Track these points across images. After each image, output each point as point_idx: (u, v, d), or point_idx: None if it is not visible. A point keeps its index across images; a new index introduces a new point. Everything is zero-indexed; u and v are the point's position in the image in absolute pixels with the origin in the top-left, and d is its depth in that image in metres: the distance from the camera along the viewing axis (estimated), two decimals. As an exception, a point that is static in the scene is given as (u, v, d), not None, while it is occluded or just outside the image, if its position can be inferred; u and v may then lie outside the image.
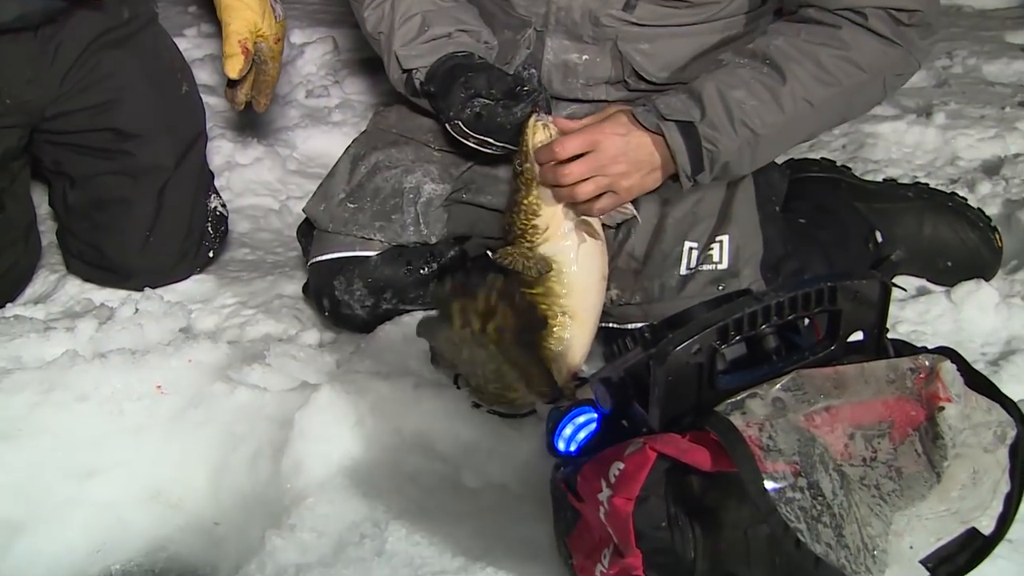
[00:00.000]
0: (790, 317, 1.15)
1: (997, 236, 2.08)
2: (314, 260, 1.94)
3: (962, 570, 1.11)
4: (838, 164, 2.26)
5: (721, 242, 1.75)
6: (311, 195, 2.00)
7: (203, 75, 2.93)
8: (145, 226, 2.08)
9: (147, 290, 2.06)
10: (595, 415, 1.29)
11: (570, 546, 1.28)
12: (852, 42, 1.62)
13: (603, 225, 1.66)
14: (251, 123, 2.77)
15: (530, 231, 1.60)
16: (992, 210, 2.24)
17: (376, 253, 1.88)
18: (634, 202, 1.69)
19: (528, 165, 1.59)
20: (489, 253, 1.64)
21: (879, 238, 2.06)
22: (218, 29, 2.03)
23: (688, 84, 1.65)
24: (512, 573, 1.35)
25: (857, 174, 2.28)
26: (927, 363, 1.15)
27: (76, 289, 2.12)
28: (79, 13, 2.01)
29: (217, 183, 2.32)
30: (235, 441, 1.67)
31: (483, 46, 1.83)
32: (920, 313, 1.96)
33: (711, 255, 1.74)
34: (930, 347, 1.20)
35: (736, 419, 1.06)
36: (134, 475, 1.67)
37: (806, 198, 2.09)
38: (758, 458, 1.03)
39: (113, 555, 1.61)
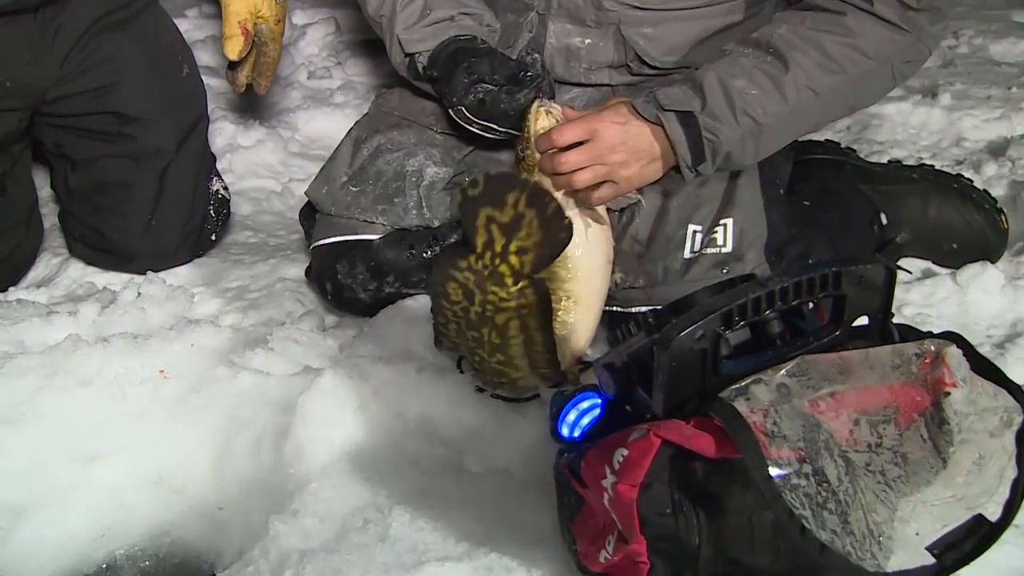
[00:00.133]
0: (794, 302, 1.15)
1: (1003, 218, 2.07)
2: (316, 244, 1.93)
3: (968, 556, 1.10)
4: (843, 146, 2.25)
5: (725, 225, 1.74)
6: (313, 178, 2.00)
7: (204, 56, 2.92)
8: (147, 209, 2.08)
9: (149, 274, 2.06)
10: (599, 401, 1.29)
11: (574, 532, 1.27)
12: (857, 29, 1.59)
13: (607, 209, 1.65)
14: (253, 105, 2.76)
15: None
16: (998, 191, 2.23)
17: (379, 237, 1.88)
18: (638, 186, 1.68)
19: (531, 151, 1.58)
20: None
21: (884, 220, 2.05)
22: (219, 10, 2.01)
23: (690, 73, 1.63)
24: (516, 559, 1.34)
25: (862, 156, 2.27)
26: (932, 348, 1.14)
27: (78, 272, 2.12)
28: (78, -6, 2.00)
29: (219, 165, 2.32)
30: (238, 426, 1.67)
31: (486, 29, 1.82)
32: (925, 295, 1.96)
33: (715, 238, 1.73)
34: (935, 331, 1.19)
35: (740, 405, 1.06)
36: (137, 460, 1.67)
37: (810, 180, 2.09)
38: (763, 444, 1.03)
39: (116, 540, 1.62)
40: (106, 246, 2.09)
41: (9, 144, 2.04)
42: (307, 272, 2.02)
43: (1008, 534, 1.12)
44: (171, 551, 1.63)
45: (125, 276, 2.08)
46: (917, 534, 1.08)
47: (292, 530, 1.43)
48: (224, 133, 2.60)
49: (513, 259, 1.30)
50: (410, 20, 1.81)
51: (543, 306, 1.34)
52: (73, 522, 1.61)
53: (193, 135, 2.15)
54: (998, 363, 1.33)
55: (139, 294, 1.97)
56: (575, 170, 1.53)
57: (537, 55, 1.79)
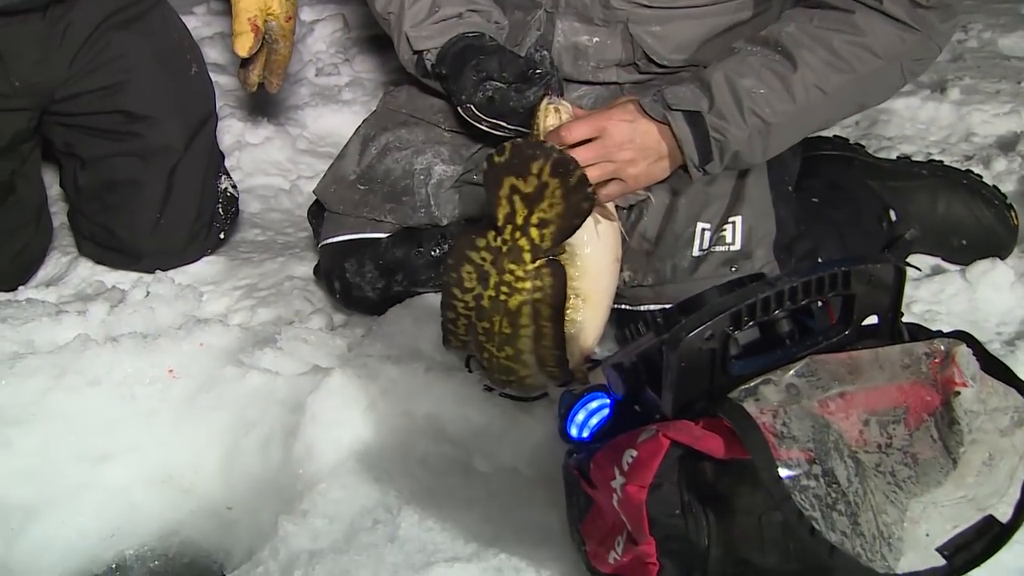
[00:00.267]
0: (804, 302, 1.14)
1: (1013, 214, 2.06)
2: (325, 242, 1.93)
3: (979, 558, 1.10)
4: (851, 142, 2.24)
5: (734, 223, 1.73)
6: (321, 176, 2.00)
7: (213, 53, 2.92)
8: (156, 208, 2.08)
9: (158, 272, 2.06)
10: (607, 401, 1.29)
11: (583, 532, 1.27)
12: (866, 27, 1.59)
13: (616, 206, 1.65)
14: (261, 102, 2.76)
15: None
16: (1008, 187, 2.22)
17: (387, 235, 1.88)
18: (646, 183, 1.68)
19: None
20: None
21: (893, 216, 2.05)
22: (228, 7, 2.01)
23: (698, 72, 1.63)
24: (524, 559, 1.34)
25: (871, 151, 2.27)
26: (942, 347, 1.14)
27: (88, 271, 2.12)
28: (87, -7, 2.00)
29: (227, 163, 2.32)
30: (247, 425, 1.67)
31: (494, 26, 1.82)
32: (935, 292, 1.95)
33: (724, 236, 1.73)
34: (945, 328, 1.19)
35: (750, 406, 1.05)
36: (146, 459, 1.67)
37: (819, 176, 2.08)
38: (772, 445, 1.02)
39: (126, 540, 1.62)
40: (115, 244, 2.09)
41: (18, 143, 2.05)
42: (315, 270, 2.02)
43: (1020, 534, 1.12)
44: (180, 551, 1.63)
45: (134, 275, 2.09)
46: (927, 535, 1.08)
47: (301, 530, 1.43)
48: (232, 130, 2.60)
49: (533, 232, 1.31)
50: (418, 17, 1.81)
51: (557, 291, 1.34)
52: (83, 522, 1.62)
53: (201, 133, 2.15)
54: (1008, 360, 1.33)
55: (148, 293, 1.97)
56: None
57: (546, 52, 1.79)
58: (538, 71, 1.67)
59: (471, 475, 1.53)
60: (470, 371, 1.63)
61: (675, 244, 1.74)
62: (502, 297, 1.34)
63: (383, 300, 1.88)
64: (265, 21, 2.00)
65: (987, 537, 1.10)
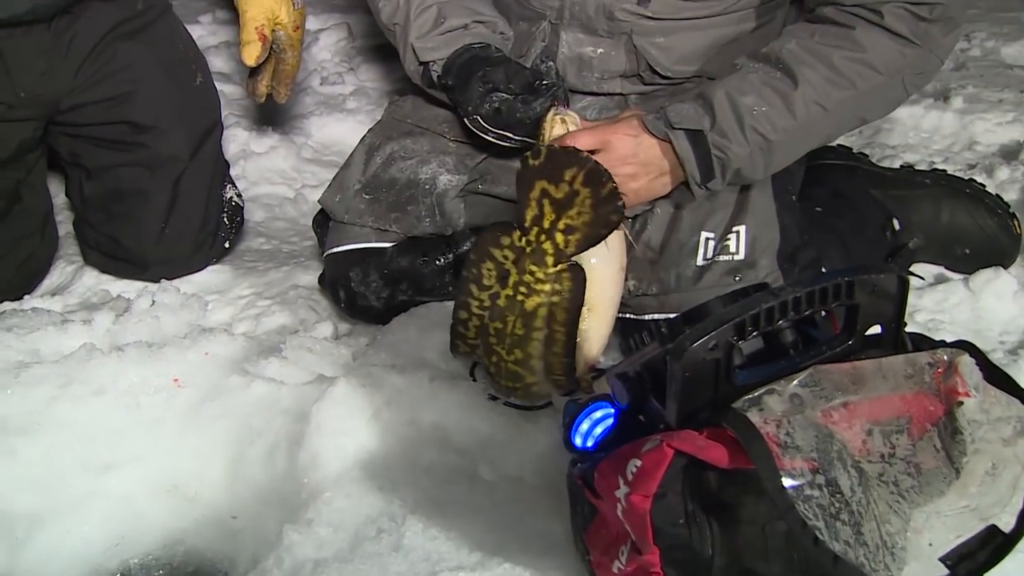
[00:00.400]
0: (807, 312, 1.15)
1: (1016, 223, 2.06)
2: (330, 251, 1.94)
3: (982, 567, 1.10)
4: (855, 151, 2.25)
5: (738, 232, 1.74)
6: (326, 185, 2.00)
7: (218, 63, 2.93)
8: (161, 217, 2.08)
9: (163, 282, 2.07)
10: (612, 410, 1.29)
11: (587, 542, 1.28)
12: (866, 43, 1.59)
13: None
14: (266, 111, 2.76)
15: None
16: (1011, 196, 2.22)
17: (392, 244, 1.88)
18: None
19: None
20: None
21: (896, 225, 2.05)
22: (233, 16, 2.02)
23: (701, 89, 1.64)
24: (529, 568, 1.35)
25: (874, 160, 2.27)
26: (945, 357, 1.14)
27: (93, 280, 2.13)
28: (92, 4, 2.01)
29: (232, 172, 2.33)
30: (252, 435, 1.67)
31: (499, 37, 1.83)
32: (938, 301, 1.95)
33: (728, 245, 1.73)
34: (948, 337, 1.20)
35: (753, 415, 1.06)
36: (151, 468, 1.68)
37: (823, 185, 2.08)
38: (776, 455, 1.03)
39: (131, 549, 1.63)
40: (121, 254, 2.10)
41: (24, 153, 2.05)
42: (320, 279, 2.02)
43: (1023, 544, 1.12)
44: (185, 560, 1.63)
45: (139, 284, 2.09)
46: (930, 545, 1.08)
47: (306, 539, 1.43)
48: (237, 140, 2.61)
49: (559, 237, 1.32)
50: (424, 28, 1.82)
51: (576, 296, 1.34)
52: (88, 531, 1.62)
53: (207, 143, 2.16)
54: (1011, 369, 1.34)
55: (153, 302, 1.97)
56: None
57: (552, 63, 1.80)
58: (544, 82, 1.68)
59: (476, 484, 1.53)
60: (474, 380, 1.63)
61: (679, 253, 1.74)
62: (519, 297, 1.34)
63: (388, 309, 1.88)
64: (273, 31, 2.00)
65: (990, 547, 1.10)
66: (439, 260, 1.87)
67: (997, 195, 2.10)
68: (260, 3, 1.98)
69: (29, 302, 2.01)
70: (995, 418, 1.12)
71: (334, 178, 1.99)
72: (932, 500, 1.09)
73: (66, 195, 2.26)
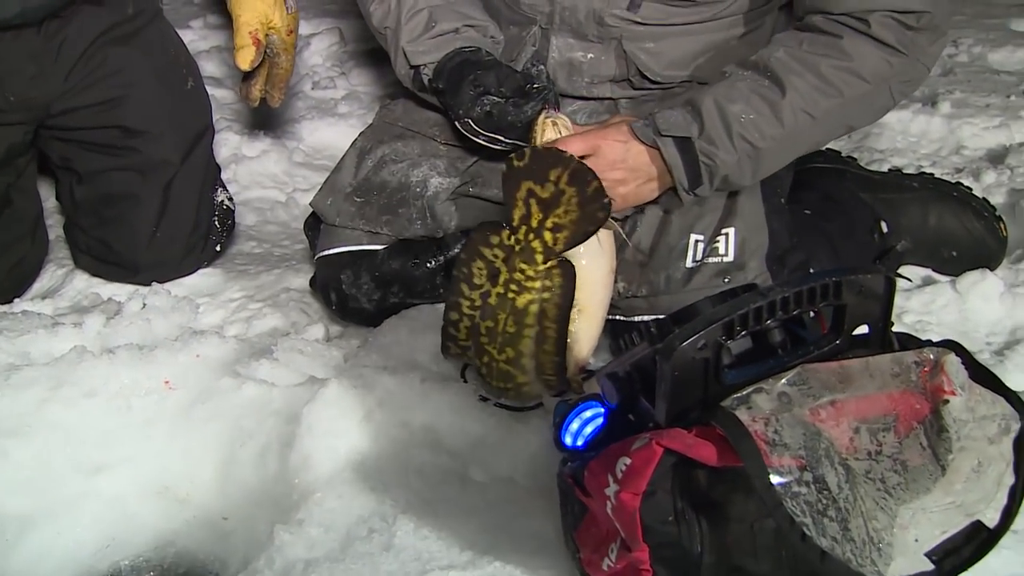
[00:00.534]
0: (795, 311, 1.16)
1: (1002, 226, 2.08)
2: (321, 254, 1.94)
3: (967, 562, 1.11)
4: (843, 155, 2.27)
5: (727, 235, 1.74)
6: (318, 189, 2.00)
7: (209, 67, 2.93)
8: (152, 221, 2.08)
9: (154, 285, 2.07)
10: (602, 410, 1.30)
11: (577, 540, 1.28)
12: (853, 52, 1.60)
13: (612, 217, 1.66)
14: (257, 116, 2.77)
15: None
16: (997, 199, 2.24)
17: (383, 247, 1.89)
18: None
19: None
20: None
21: (885, 228, 2.06)
22: (224, 20, 2.02)
23: (690, 96, 1.65)
24: (519, 567, 1.35)
25: (862, 164, 2.28)
26: (932, 356, 1.15)
27: (84, 284, 2.12)
28: (82, 9, 2.01)
29: (224, 176, 2.33)
30: (243, 436, 1.68)
31: (490, 41, 1.84)
32: (925, 303, 1.96)
33: (717, 248, 1.74)
34: (935, 338, 1.20)
35: (742, 414, 1.07)
36: (142, 470, 1.68)
37: (812, 189, 2.10)
38: (764, 453, 1.04)
39: (122, 550, 1.63)
40: (112, 258, 2.10)
41: (14, 156, 2.05)
42: (312, 282, 2.03)
43: (1006, 540, 1.13)
44: (176, 561, 1.64)
45: (130, 287, 2.09)
46: (916, 540, 1.09)
47: (297, 540, 1.43)
48: (229, 144, 2.61)
49: (547, 235, 1.32)
50: (415, 32, 1.83)
51: (566, 292, 1.35)
52: (79, 532, 1.63)
53: (198, 147, 2.16)
54: (997, 370, 1.35)
55: (144, 305, 1.97)
56: None
57: (542, 66, 1.80)
58: (535, 86, 1.69)
59: (467, 485, 1.54)
60: (465, 381, 1.64)
61: (669, 256, 1.75)
62: (510, 295, 1.35)
63: (379, 312, 1.89)
64: (267, 35, 2.00)
65: (975, 542, 1.12)
66: (430, 263, 1.87)
67: (984, 199, 2.12)
68: (253, 7, 1.98)
69: (19, 305, 2.01)
70: (980, 416, 1.13)
71: (325, 181, 1.99)
72: (918, 497, 1.10)
73: (57, 199, 2.25)
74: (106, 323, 1.89)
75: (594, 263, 1.58)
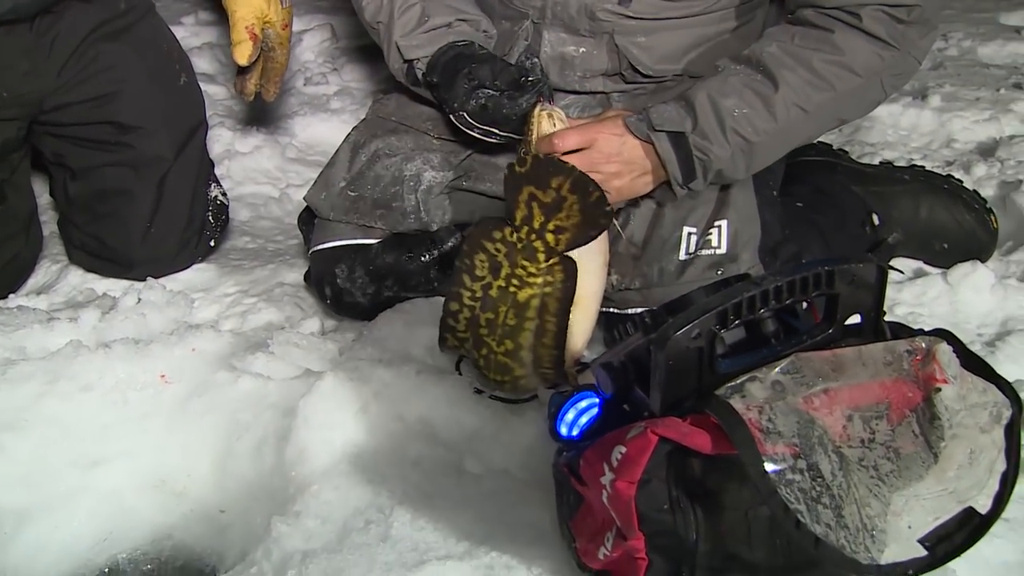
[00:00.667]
0: (788, 301, 1.16)
1: (993, 218, 2.09)
2: (315, 248, 1.95)
3: (960, 548, 1.12)
4: (835, 148, 2.27)
5: (719, 227, 1.75)
6: (311, 183, 2.01)
7: (202, 63, 2.93)
8: (146, 217, 2.09)
9: (149, 280, 2.07)
10: (597, 400, 1.30)
11: (573, 530, 1.29)
12: (845, 46, 1.61)
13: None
14: (251, 111, 2.77)
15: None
16: (988, 192, 2.25)
17: (377, 241, 1.89)
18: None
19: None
20: None
21: (876, 221, 2.07)
22: (216, 16, 2.03)
23: (683, 90, 1.66)
24: (516, 557, 1.36)
25: (854, 157, 2.29)
26: (924, 345, 1.16)
27: (78, 279, 2.13)
28: (74, 4, 2.02)
29: (217, 171, 2.33)
30: (239, 429, 1.68)
31: (483, 35, 1.84)
32: (917, 295, 1.97)
33: (710, 240, 1.75)
34: (927, 329, 1.21)
35: (736, 402, 1.07)
36: (139, 464, 1.69)
37: (804, 182, 2.10)
38: (758, 440, 1.04)
39: (119, 544, 1.64)
40: (106, 253, 2.10)
41: (8, 152, 2.05)
42: (306, 277, 2.03)
43: (998, 527, 1.14)
44: (173, 554, 1.65)
45: (125, 282, 2.09)
46: (909, 527, 1.10)
47: (294, 531, 1.44)
48: (222, 139, 2.62)
49: (549, 236, 1.33)
50: (408, 26, 1.83)
51: (568, 288, 1.36)
52: (76, 526, 1.63)
53: (191, 143, 2.16)
54: (989, 361, 1.35)
55: (139, 300, 1.98)
56: None
57: (536, 59, 1.81)
58: (530, 78, 1.69)
59: (463, 477, 1.54)
60: (460, 374, 1.64)
61: (662, 248, 1.76)
62: (512, 289, 1.35)
63: (373, 305, 1.89)
64: (262, 29, 2.01)
65: (967, 528, 1.12)
66: (424, 256, 1.88)
67: (974, 191, 2.13)
68: (249, 3, 1.98)
69: (14, 301, 2.01)
70: (972, 404, 1.13)
71: (319, 176, 2.00)
72: (911, 484, 1.10)
73: (50, 195, 2.26)
74: (101, 318, 1.89)
75: (588, 256, 1.58)
